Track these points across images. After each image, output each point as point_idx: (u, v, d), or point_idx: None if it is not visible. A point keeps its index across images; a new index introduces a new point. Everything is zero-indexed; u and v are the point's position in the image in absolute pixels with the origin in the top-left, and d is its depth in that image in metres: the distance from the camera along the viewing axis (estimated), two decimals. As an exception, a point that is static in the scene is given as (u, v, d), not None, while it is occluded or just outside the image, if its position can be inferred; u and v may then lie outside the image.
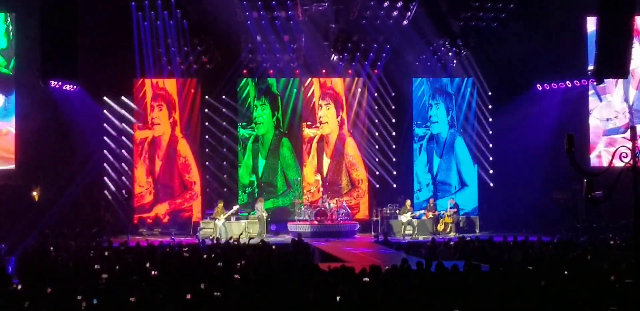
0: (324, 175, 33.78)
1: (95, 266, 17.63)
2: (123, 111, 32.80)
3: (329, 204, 31.37)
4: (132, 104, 32.84)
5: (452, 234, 30.21)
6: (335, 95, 33.91)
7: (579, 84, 32.05)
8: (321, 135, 33.84)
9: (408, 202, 31.52)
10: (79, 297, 13.55)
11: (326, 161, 33.86)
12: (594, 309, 12.95)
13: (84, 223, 29.35)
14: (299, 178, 33.48)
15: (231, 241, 24.65)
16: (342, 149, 33.79)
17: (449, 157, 34.10)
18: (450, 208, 31.70)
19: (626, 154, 13.54)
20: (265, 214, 30.78)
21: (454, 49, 32.94)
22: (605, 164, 30.46)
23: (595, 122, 32.48)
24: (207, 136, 33.37)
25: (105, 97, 32.61)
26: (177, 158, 33.23)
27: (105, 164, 32.65)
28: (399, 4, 30.87)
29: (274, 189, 33.76)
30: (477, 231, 31.80)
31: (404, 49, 33.01)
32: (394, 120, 34.03)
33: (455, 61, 33.46)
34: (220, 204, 30.29)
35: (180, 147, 33.25)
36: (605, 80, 30.63)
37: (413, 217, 30.96)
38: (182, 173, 33.25)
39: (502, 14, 31.32)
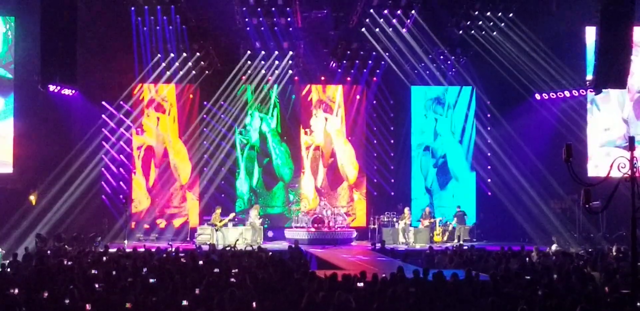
0: (320, 182, 33.79)
1: (92, 271, 17.61)
2: (121, 116, 32.80)
3: (327, 211, 31.38)
4: (130, 109, 32.83)
5: (449, 243, 30.21)
6: (332, 102, 33.93)
7: (577, 94, 32.05)
8: (316, 142, 33.88)
9: (407, 210, 31.56)
10: (75, 302, 13.54)
11: (322, 168, 33.86)
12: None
13: (81, 228, 29.34)
14: (296, 184, 33.54)
15: (228, 247, 24.65)
16: (338, 157, 33.80)
17: (444, 165, 34.15)
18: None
19: (624, 164, 13.55)
20: (258, 222, 30.72)
21: (452, 57, 33.02)
22: (603, 174, 30.39)
23: (593, 132, 32.49)
24: (204, 142, 33.34)
25: (103, 102, 32.59)
26: (174, 162, 33.24)
27: (103, 169, 32.63)
28: (399, 12, 30.91)
29: (271, 195, 33.78)
30: (474, 240, 31.76)
31: (403, 56, 33.02)
32: (392, 128, 34.09)
33: (454, 70, 33.51)
34: (218, 211, 30.25)
35: (177, 150, 33.25)
36: (603, 90, 30.70)
37: (408, 225, 31.01)
38: (179, 176, 33.26)
39: (502, 23, 31.37)
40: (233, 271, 18.04)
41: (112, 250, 23.42)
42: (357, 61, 33.03)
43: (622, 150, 29.30)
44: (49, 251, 23.45)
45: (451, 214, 32.43)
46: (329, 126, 33.98)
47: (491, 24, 31.51)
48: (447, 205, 33.74)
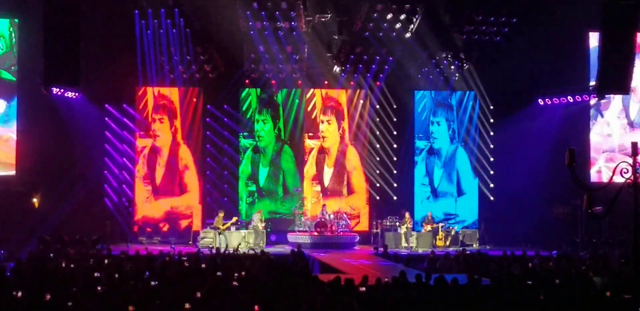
0: (325, 186, 33.79)
1: (95, 274, 17.61)
2: (125, 119, 32.80)
3: (329, 215, 31.36)
4: (133, 112, 32.85)
5: (452, 248, 30.17)
6: (337, 106, 33.93)
7: (580, 99, 32.06)
8: (321, 146, 33.84)
9: (407, 214, 31.55)
10: (78, 305, 13.55)
11: (327, 172, 33.85)
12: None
13: (84, 231, 29.32)
14: (299, 188, 33.50)
15: (230, 251, 24.65)
16: (343, 160, 33.82)
17: (450, 168, 34.12)
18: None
19: (627, 170, 13.56)
20: (261, 226, 30.77)
21: (456, 62, 32.98)
22: (605, 179, 30.48)
23: (595, 137, 32.50)
24: (208, 146, 33.32)
25: (107, 105, 32.59)
26: (178, 165, 33.26)
27: (106, 172, 32.64)
28: (402, 17, 30.93)
29: (275, 198, 33.75)
30: (477, 244, 31.75)
31: (406, 61, 33.05)
32: (395, 132, 34.06)
33: (457, 75, 33.50)
34: (221, 214, 30.26)
35: (181, 154, 33.26)
36: (606, 96, 30.74)
37: (410, 229, 31.06)
38: (182, 179, 33.27)
39: (505, 28, 31.40)
40: (235, 274, 18.04)
41: (115, 253, 23.42)
42: (360, 66, 32.97)
43: (625, 155, 29.37)
44: (51, 254, 23.46)
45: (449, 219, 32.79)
46: (332, 130, 33.96)
47: (494, 29, 31.52)
48: (448, 210, 33.86)
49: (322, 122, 33.90)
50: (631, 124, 32.53)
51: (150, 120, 33.20)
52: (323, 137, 33.87)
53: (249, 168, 33.69)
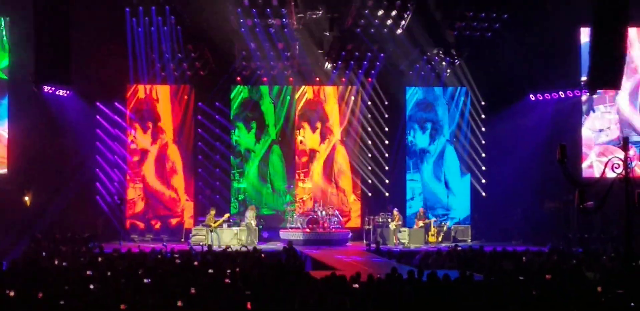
0: (315, 183, 33.76)
1: (87, 272, 17.58)
2: (116, 117, 32.75)
3: (321, 212, 31.36)
4: (124, 110, 32.80)
5: (445, 244, 30.17)
6: (328, 103, 33.93)
7: (571, 95, 32.08)
8: (312, 143, 33.84)
9: (395, 211, 31.50)
10: (70, 303, 13.53)
11: (317, 169, 33.84)
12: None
13: (76, 229, 29.27)
14: (291, 185, 33.47)
15: (223, 248, 24.63)
16: (333, 156, 33.80)
17: (438, 165, 34.15)
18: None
19: (618, 165, 13.58)
20: (254, 223, 30.72)
21: (447, 58, 32.95)
22: (597, 174, 30.50)
23: (587, 132, 32.50)
24: (199, 143, 33.30)
25: (98, 103, 32.54)
26: (168, 162, 33.22)
27: (97, 170, 32.59)
28: (394, 13, 30.86)
29: (265, 196, 33.73)
30: (469, 240, 31.79)
31: (398, 57, 33.03)
32: (387, 129, 34.06)
33: (449, 71, 33.50)
34: (213, 212, 30.23)
35: (171, 151, 33.21)
36: (598, 91, 30.74)
37: (400, 225, 31.05)
38: (173, 176, 33.24)
39: (496, 24, 31.37)
40: (227, 271, 18.03)
41: (107, 251, 23.39)
42: (352, 62, 32.96)
43: (617, 148, 29.41)
44: (43, 252, 23.41)
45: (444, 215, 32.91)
46: (324, 127, 33.94)
47: (486, 25, 31.50)
48: (441, 206, 33.87)
49: (313, 118, 33.87)
50: (621, 121, 32.52)
51: (141, 117, 33.14)
52: (307, 132, 33.82)
53: (240, 165, 33.67)
